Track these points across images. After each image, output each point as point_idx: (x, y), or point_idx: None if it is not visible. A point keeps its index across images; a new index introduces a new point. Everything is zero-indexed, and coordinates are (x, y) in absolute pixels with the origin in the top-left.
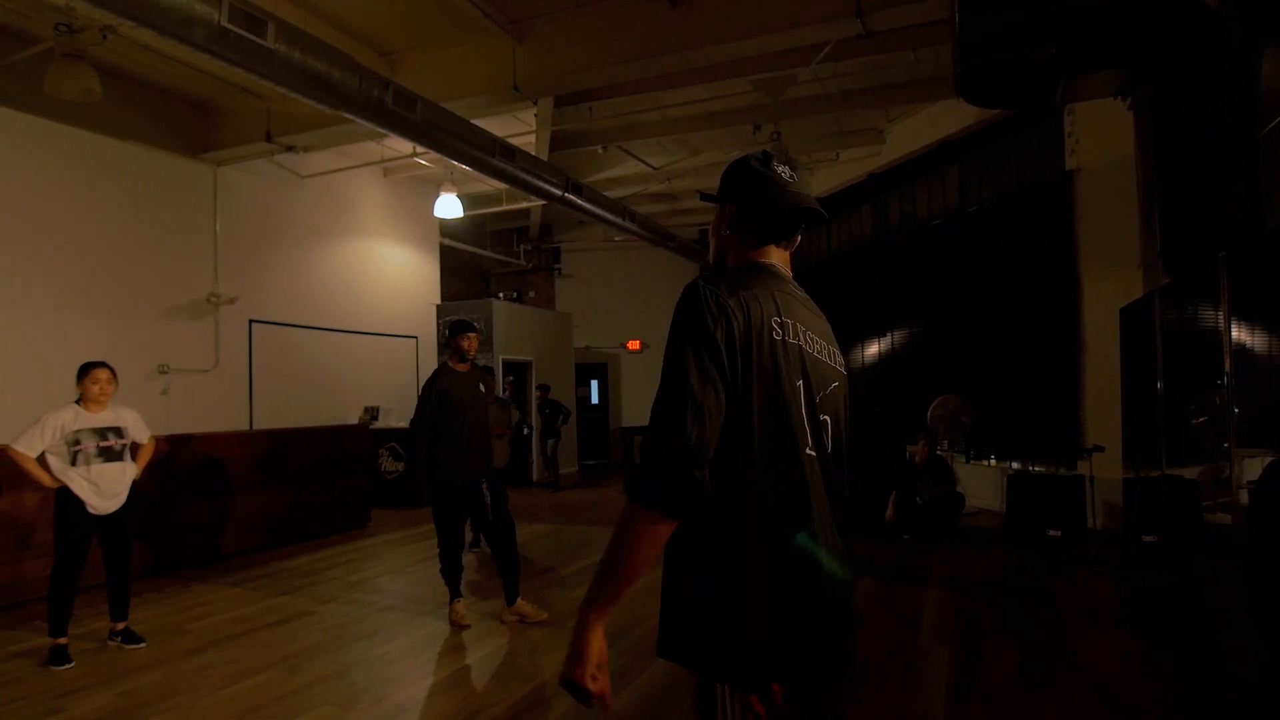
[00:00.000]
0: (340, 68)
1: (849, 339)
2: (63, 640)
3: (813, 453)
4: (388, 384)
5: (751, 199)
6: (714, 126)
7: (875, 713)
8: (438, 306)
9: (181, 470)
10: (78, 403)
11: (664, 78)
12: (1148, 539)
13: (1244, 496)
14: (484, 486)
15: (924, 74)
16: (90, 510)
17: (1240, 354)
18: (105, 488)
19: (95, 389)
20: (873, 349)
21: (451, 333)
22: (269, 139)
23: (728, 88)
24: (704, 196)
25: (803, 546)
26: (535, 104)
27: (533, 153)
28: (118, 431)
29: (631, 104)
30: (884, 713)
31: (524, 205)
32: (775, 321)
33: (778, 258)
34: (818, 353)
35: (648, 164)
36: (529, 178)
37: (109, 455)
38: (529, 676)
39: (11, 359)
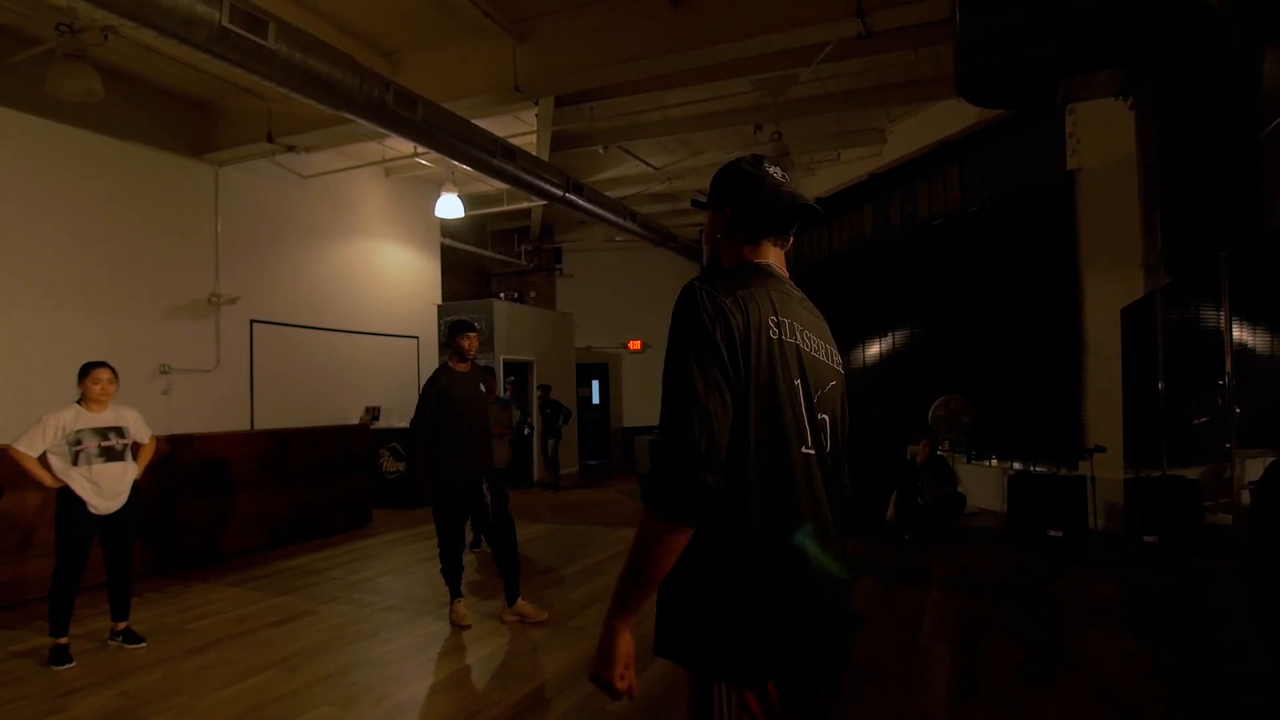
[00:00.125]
0: (341, 68)
1: (850, 339)
2: (64, 640)
3: (811, 452)
4: (389, 384)
5: (746, 200)
6: (715, 126)
7: (875, 713)
8: (439, 306)
9: (183, 470)
10: (79, 403)
11: (665, 78)
12: (1149, 539)
13: (1245, 497)
14: (484, 486)
15: (925, 74)
16: (91, 510)
17: (1241, 354)
18: (106, 487)
19: (96, 389)
20: (874, 349)
21: (451, 333)
22: (270, 139)
23: (729, 88)
24: (695, 203)
25: (801, 546)
26: (536, 104)
27: (534, 153)
28: (119, 431)
29: (632, 104)
30: (884, 713)
31: (525, 205)
32: (772, 321)
33: (774, 257)
34: (815, 352)
35: (649, 164)
36: (530, 178)
37: (110, 455)
38: (529, 676)
39: (12, 359)
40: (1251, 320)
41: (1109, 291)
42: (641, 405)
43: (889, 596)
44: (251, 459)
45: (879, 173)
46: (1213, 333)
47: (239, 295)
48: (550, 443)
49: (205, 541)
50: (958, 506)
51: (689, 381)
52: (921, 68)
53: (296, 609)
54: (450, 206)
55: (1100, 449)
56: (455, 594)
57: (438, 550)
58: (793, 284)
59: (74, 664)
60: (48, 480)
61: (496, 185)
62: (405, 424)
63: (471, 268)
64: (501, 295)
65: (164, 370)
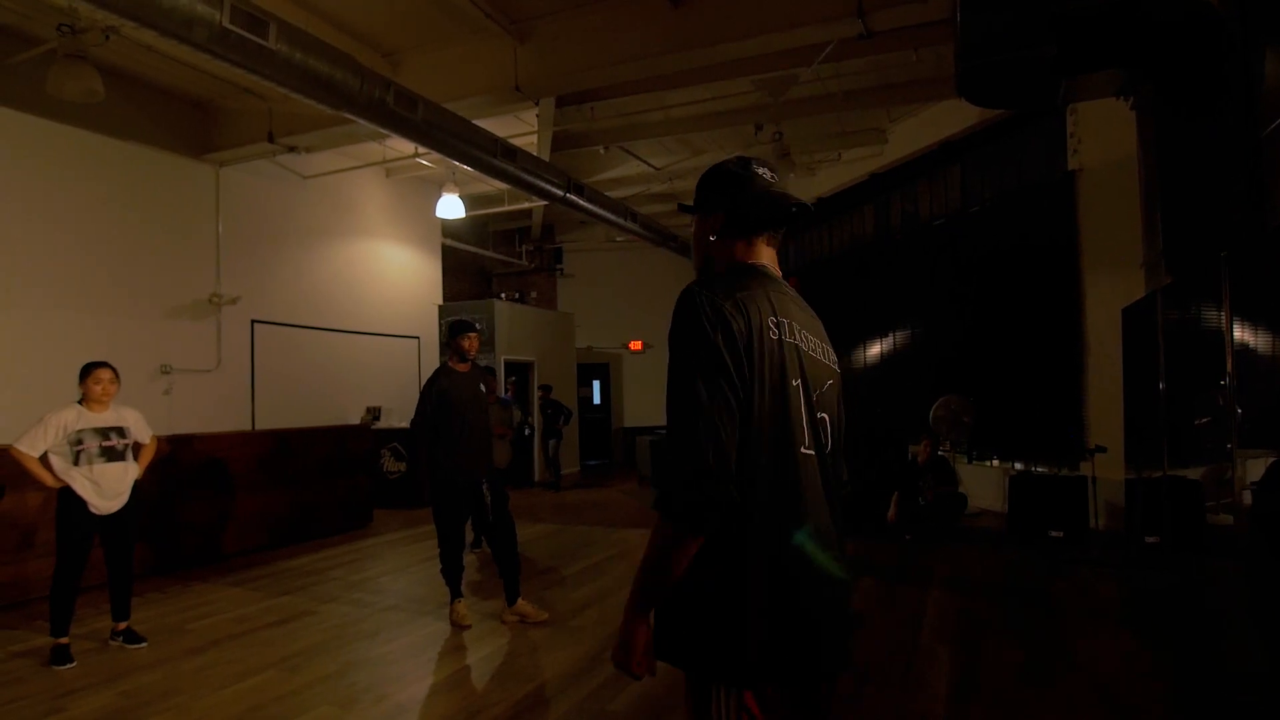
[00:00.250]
0: (342, 68)
1: (851, 339)
2: (64, 640)
3: (811, 452)
4: (390, 384)
5: (738, 202)
6: (716, 127)
7: (875, 713)
8: (440, 307)
9: (183, 470)
10: (80, 403)
11: (665, 78)
12: (1150, 540)
13: (1247, 497)
14: (484, 487)
15: (926, 74)
16: (92, 510)
17: (1243, 354)
18: (107, 487)
19: (98, 389)
20: (875, 349)
21: (452, 333)
22: (271, 139)
23: (729, 88)
24: (684, 208)
25: (801, 546)
26: (537, 104)
27: (534, 153)
28: (120, 431)
29: (633, 104)
30: (884, 713)
31: (526, 205)
32: (772, 321)
33: (767, 258)
34: (812, 351)
35: (650, 164)
36: (531, 178)
37: (111, 455)
38: (529, 677)
39: (13, 359)
40: (1253, 320)
41: (1110, 291)
42: (642, 405)
43: (889, 596)
44: (252, 459)
45: (880, 173)
46: (1214, 333)
47: (240, 295)
48: (551, 443)
49: (206, 541)
50: (959, 507)
51: (694, 391)
52: (922, 68)
53: (297, 609)
54: (451, 207)
55: (1101, 449)
56: (456, 594)
57: (438, 550)
58: (787, 284)
59: (75, 664)
60: (49, 480)
61: (497, 185)
62: (406, 424)
63: (472, 268)
64: (502, 295)
65: (165, 370)
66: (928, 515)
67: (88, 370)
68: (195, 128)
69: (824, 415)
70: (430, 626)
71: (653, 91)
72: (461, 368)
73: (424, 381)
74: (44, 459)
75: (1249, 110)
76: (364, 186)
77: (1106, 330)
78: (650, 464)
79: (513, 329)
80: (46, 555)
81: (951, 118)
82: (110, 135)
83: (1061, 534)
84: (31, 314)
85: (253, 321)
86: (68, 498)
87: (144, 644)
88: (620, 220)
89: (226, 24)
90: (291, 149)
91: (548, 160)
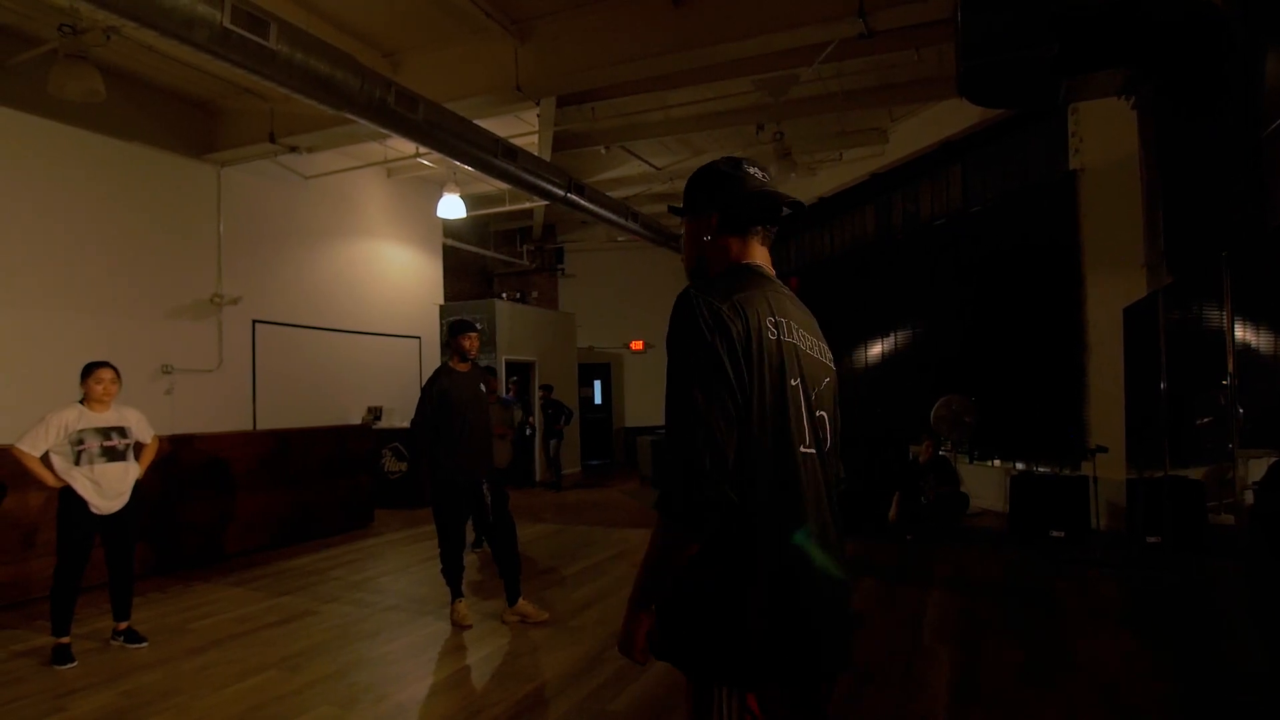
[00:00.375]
0: (343, 68)
1: (852, 339)
2: (65, 639)
3: (810, 450)
4: (391, 384)
5: (730, 203)
6: (717, 126)
7: (875, 713)
8: (441, 307)
9: (185, 470)
10: (81, 402)
11: (666, 78)
12: (1151, 540)
13: (1248, 497)
14: (484, 487)
15: (927, 74)
16: (93, 510)
17: (1244, 354)
18: (108, 487)
19: (99, 389)
20: (876, 349)
21: (452, 332)
22: (272, 140)
23: (730, 88)
24: (674, 209)
25: (802, 546)
26: (538, 104)
27: (535, 153)
28: (121, 431)
29: (634, 104)
30: (884, 713)
31: (527, 205)
32: (770, 322)
33: (761, 257)
34: (810, 349)
35: (650, 164)
36: (531, 178)
37: (112, 455)
38: (530, 676)
39: (15, 358)
40: (1254, 320)
41: (1111, 291)
42: (644, 405)
43: (890, 596)
44: (253, 459)
45: (881, 172)
46: (1215, 332)
47: (241, 295)
48: (552, 443)
49: (207, 541)
50: (960, 507)
51: (692, 396)
52: (923, 67)
53: (298, 609)
54: (452, 207)
55: (1102, 449)
56: (456, 594)
57: (439, 550)
58: (781, 284)
59: (75, 663)
60: (50, 480)
61: (498, 185)
62: (407, 424)
63: (473, 268)
64: (503, 295)
65: (166, 370)
66: (929, 515)
67: (89, 370)
68: (196, 128)
69: (822, 413)
70: (431, 626)
71: (653, 91)
72: (462, 367)
73: (425, 381)
74: (45, 459)
75: (1250, 110)
76: (365, 186)
77: (1108, 330)
78: (651, 464)
79: (514, 329)
80: (47, 555)
81: (953, 117)
82: (111, 135)
83: (1063, 534)
84: (33, 314)
85: (254, 321)
86: (69, 497)
87: (145, 644)
88: (621, 220)
89: (227, 24)
90: (293, 149)
91: (548, 160)
